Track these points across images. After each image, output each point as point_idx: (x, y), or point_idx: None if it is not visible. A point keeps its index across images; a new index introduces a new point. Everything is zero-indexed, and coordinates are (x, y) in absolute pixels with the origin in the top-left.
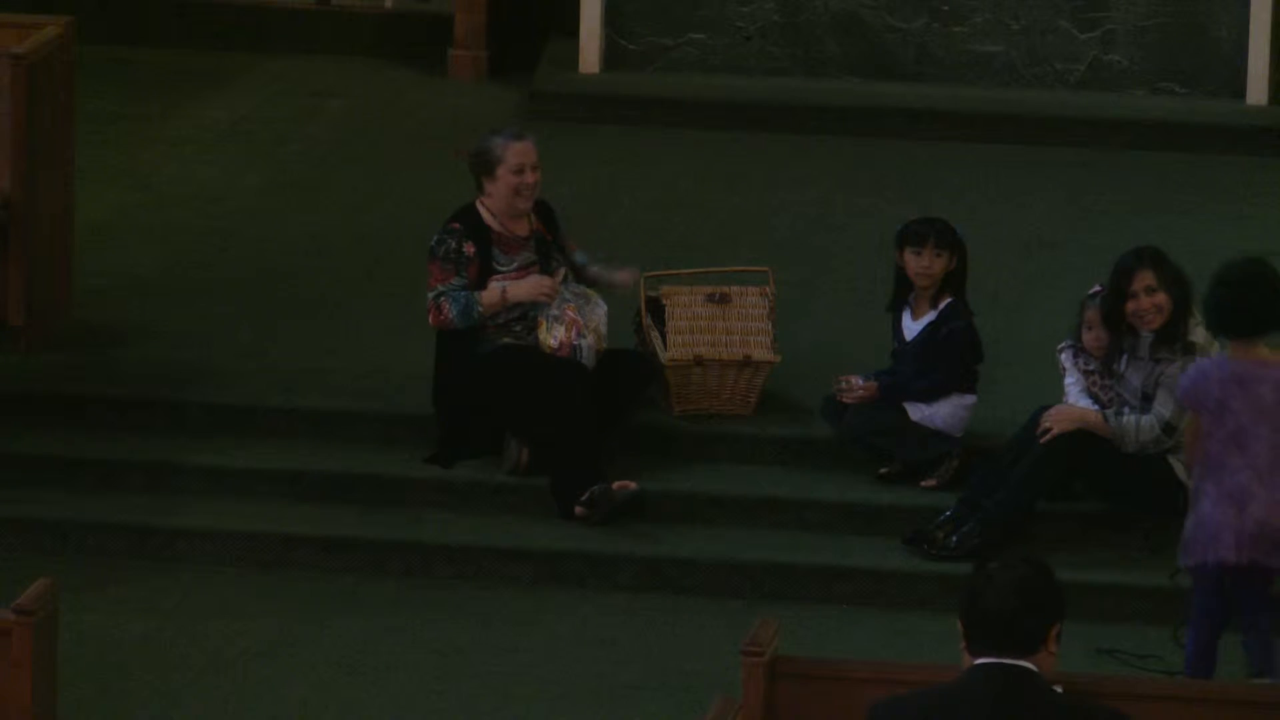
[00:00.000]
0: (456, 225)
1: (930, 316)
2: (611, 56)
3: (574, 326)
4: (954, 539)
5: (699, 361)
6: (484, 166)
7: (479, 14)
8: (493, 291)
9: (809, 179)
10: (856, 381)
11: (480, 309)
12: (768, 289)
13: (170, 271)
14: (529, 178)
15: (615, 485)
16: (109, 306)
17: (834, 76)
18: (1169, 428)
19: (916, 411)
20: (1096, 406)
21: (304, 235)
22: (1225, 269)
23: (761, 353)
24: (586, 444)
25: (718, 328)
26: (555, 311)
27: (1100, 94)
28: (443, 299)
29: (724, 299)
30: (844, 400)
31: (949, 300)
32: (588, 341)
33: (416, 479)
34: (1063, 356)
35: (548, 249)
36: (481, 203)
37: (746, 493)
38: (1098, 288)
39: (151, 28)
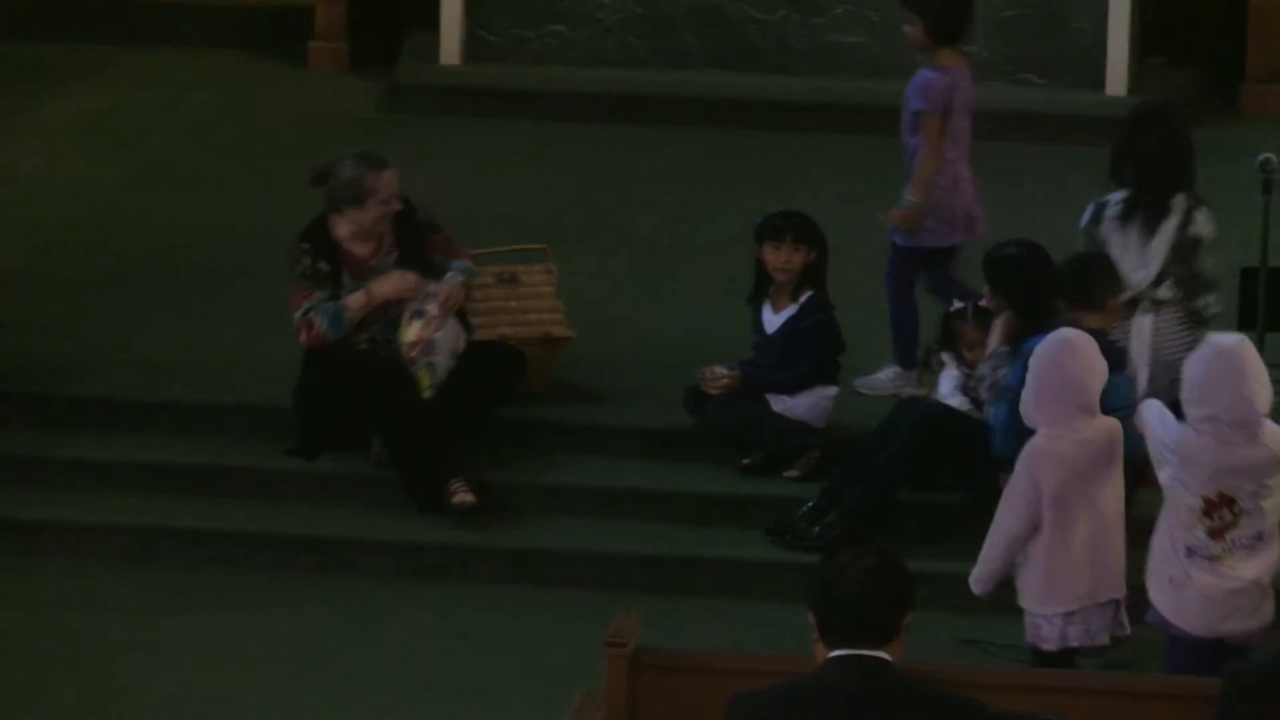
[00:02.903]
0: (307, 245)
1: (791, 310)
2: (472, 49)
3: (433, 323)
4: (816, 530)
5: (503, 341)
6: (352, 198)
7: (339, 6)
8: (357, 295)
9: (671, 170)
10: (720, 370)
11: (349, 315)
12: (549, 265)
13: (35, 264)
14: (394, 205)
15: (455, 499)
16: None
17: (694, 68)
18: None
19: (778, 403)
20: (967, 401)
21: (169, 228)
22: None
23: (559, 329)
24: (424, 448)
25: (513, 308)
26: (419, 306)
27: None
28: (311, 314)
29: (513, 279)
30: (708, 390)
31: (809, 293)
32: (440, 359)
33: (280, 471)
34: (945, 356)
35: (408, 252)
36: (331, 221)
37: (609, 484)
38: (958, 304)
39: (15, 19)
